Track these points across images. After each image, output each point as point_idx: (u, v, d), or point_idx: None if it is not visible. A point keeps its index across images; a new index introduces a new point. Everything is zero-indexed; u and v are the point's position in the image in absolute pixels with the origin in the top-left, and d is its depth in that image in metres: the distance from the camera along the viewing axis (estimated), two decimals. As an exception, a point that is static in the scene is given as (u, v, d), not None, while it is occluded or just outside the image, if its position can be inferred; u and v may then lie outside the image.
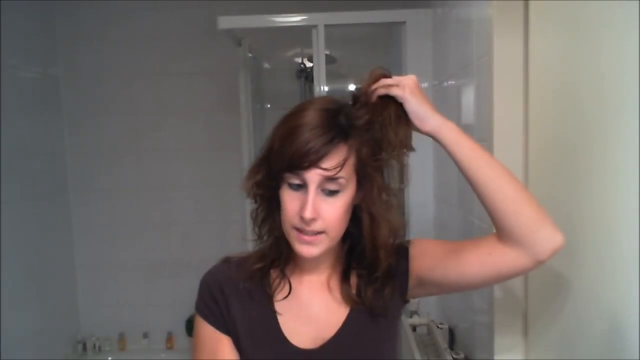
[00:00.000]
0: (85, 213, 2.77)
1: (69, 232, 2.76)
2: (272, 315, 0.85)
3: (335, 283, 0.88)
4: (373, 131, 0.80)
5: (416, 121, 0.82)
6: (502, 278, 0.87)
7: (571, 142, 0.92)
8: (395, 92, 0.81)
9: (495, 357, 1.18)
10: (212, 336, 0.85)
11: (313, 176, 0.75)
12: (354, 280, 0.88)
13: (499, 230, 0.80)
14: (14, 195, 2.26)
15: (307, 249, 0.78)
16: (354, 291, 0.87)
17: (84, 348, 2.76)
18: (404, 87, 0.81)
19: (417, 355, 1.56)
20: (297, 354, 0.83)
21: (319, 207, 0.76)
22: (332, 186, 0.76)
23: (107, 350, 2.82)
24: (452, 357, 1.40)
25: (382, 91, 0.82)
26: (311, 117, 0.76)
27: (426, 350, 1.56)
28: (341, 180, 0.76)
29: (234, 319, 0.85)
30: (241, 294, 0.86)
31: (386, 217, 0.82)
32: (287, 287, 0.87)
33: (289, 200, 0.78)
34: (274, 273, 0.88)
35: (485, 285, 1.02)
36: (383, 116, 0.81)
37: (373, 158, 0.80)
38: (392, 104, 0.82)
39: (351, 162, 0.77)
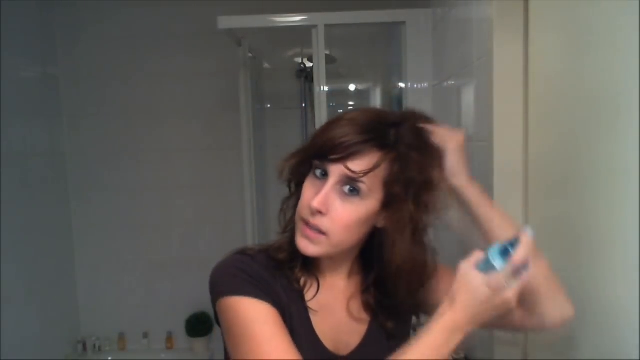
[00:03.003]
0: (86, 213, 2.77)
1: (69, 232, 2.76)
2: (306, 313, 0.81)
3: (354, 292, 0.86)
4: (417, 154, 0.76)
5: (449, 174, 0.84)
6: (507, 331, 0.95)
7: (571, 142, 0.92)
8: (445, 142, 0.84)
9: (495, 357, 1.18)
10: (269, 312, 0.73)
11: (336, 170, 0.73)
12: (373, 292, 0.85)
13: None
14: (14, 195, 2.25)
15: (305, 244, 0.75)
16: (373, 301, 0.84)
17: (84, 348, 2.76)
18: (454, 141, 0.85)
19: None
20: (329, 357, 0.80)
21: (330, 204, 0.73)
22: (351, 187, 0.73)
23: (107, 350, 2.82)
24: (452, 357, 1.39)
25: (430, 137, 0.82)
26: (359, 115, 0.75)
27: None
28: (362, 186, 0.73)
29: (278, 305, 0.75)
30: (276, 285, 0.77)
31: (409, 249, 0.77)
32: (315, 286, 0.83)
33: (309, 187, 0.76)
34: (297, 271, 0.83)
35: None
36: (428, 157, 0.80)
37: (405, 179, 0.74)
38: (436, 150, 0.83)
39: (380, 173, 0.73)
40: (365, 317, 0.85)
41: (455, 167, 0.84)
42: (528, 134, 1.11)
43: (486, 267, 0.68)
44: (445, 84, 1.69)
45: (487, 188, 1.09)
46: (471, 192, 0.84)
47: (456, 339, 0.69)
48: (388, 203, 0.75)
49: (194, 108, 2.73)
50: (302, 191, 0.77)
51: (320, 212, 0.73)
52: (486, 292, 0.67)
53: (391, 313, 0.84)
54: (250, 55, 2.30)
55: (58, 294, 2.65)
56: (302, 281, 0.82)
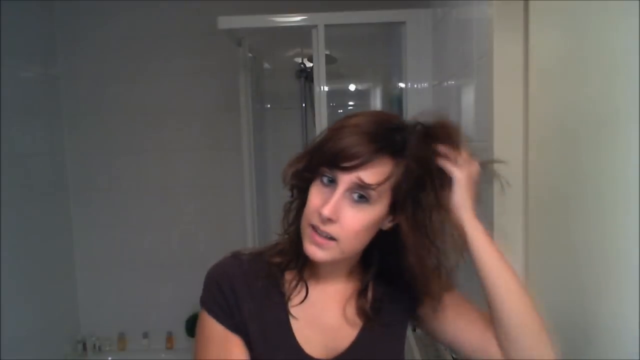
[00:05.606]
0: (85, 213, 2.77)
1: (69, 232, 2.76)
2: (286, 319, 0.82)
3: (350, 295, 0.86)
4: (423, 165, 0.76)
5: (453, 204, 0.82)
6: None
7: (571, 142, 0.92)
8: (454, 172, 0.80)
9: (495, 357, 1.17)
10: (220, 335, 0.80)
11: (346, 178, 0.73)
12: (370, 296, 0.86)
13: (497, 331, 0.82)
14: (14, 195, 2.26)
15: (314, 250, 0.75)
16: (368, 306, 0.85)
17: (84, 348, 2.77)
18: (464, 173, 0.81)
19: (417, 355, 1.56)
20: None
21: (340, 211, 0.73)
22: (361, 194, 0.74)
23: (107, 350, 2.82)
24: (452, 357, 1.39)
25: (441, 162, 0.80)
26: (363, 121, 0.75)
27: (426, 350, 1.57)
28: (372, 193, 0.73)
29: (245, 319, 0.80)
30: (254, 292, 0.80)
31: (423, 249, 0.77)
32: (303, 291, 0.83)
33: (316, 193, 0.76)
34: (289, 274, 0.84)
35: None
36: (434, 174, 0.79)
37: (410, 187, 0.75)
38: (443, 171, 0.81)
39: (390, 180, 0.74)
40: (358, 322, 0.85)
41: (459, 201, 0.81)
42: (528, 133, 1.11)
43: None
44: (445, 84, 1.69)
45: (486, 188, 1.09)
46: (471, 231, 0.81)
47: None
48: (396, 208, 0.76)
49: (194, 108, 2.73)
50: (309, 197, 0.76)
51: (330, 220, 0.73)
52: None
53: (385, 319, 0.85)
54: (250, 55, 2.30)
55: (58, 293, 2.66)
56: (291, 285, 0.83)
